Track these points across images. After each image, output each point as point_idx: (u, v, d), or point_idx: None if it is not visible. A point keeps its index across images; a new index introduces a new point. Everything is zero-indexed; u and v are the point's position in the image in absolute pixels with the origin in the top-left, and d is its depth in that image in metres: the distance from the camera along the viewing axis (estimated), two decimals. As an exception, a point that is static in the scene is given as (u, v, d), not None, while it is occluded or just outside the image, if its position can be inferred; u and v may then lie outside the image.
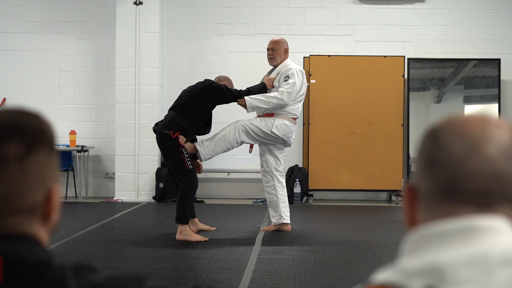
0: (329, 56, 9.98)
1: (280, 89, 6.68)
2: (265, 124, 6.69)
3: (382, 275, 0.93)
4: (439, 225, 0.93)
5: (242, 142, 6.75)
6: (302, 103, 7.00)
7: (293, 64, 6.91)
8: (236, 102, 6.65)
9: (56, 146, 1.13)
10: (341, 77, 9.90)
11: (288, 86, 6.67)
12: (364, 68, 9.94)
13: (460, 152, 0.94)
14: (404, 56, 10.04)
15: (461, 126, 0.96)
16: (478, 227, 0.91)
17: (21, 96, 10.29)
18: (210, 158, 6.74)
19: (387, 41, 10.28)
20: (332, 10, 10.32)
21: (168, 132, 6.36)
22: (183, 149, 6.38)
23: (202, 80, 6.79)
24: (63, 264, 1.05)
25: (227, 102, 6.73)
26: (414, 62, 10.07)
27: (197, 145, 6.59)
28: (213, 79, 6.89)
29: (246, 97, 6.57)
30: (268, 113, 6.77)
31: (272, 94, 6.67)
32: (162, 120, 6.61)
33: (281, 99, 6.62)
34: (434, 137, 0.98)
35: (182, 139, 6.39)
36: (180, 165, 6.38)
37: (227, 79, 6.94)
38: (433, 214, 0.95)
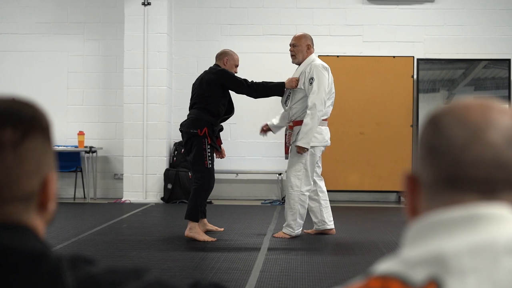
0: (337, 56, 9.95)
1: (308, 101, 6.33)
2: (301, 156, 6.44)
3: (384, 266, 0.90)
4: (442, 213, 0.90)
5: (306, 189, 6.54)
6: (331, 101, 6.60)
7: (316, 60, 6.52)
8: (297, 150, 6.44)
9: (52, 135, 1.11)
10: (349, 77, 9.86)
11: (314, 95, 6.30)
12: (373, 69, 9.91)
13: (461, 139, 0.91)
14: (413, 57, 10.00)
15: (463, 112, 0.94)
16: (482, 215, 0.88)
17: (29, 97, 10.30)
18: (301, 227, 6.59)
19: (396, 41, 10.25)
20: (340, 11, 10.30)
21: (195, 131, 6.38)
22: (207, 147, 6.38)
23: (208, 69, 6.73)
24: (59, 255, 1.03)
25: (237, 91, 6.63)
26: (423, 62, 10.03)
27: (283, 229, 6.53)
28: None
29: (300, 143, 6.32)
30: (296, 121, 6.50)
31: (307, 118, 6.28)
32: (185, 120, 6.59)
33: (315, 113, 6.28)
34: (435, 124, 0.95)
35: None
36: (199, 162, 6.38)
37: (228, 54, 6.73)
38: (435, 203, 0.93)
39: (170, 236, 6.55)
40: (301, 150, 6.38)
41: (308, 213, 6.69)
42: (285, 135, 6.72)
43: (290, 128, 6.58)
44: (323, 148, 6.62)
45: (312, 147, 6.44)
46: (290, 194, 6.51)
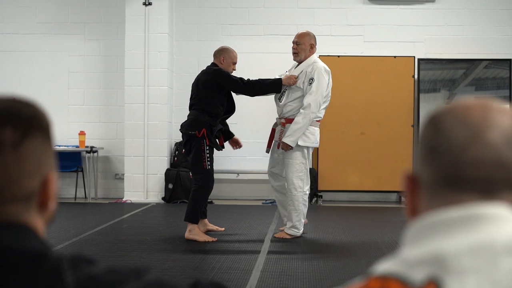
0: (338, 56, 9.95)
1: (304, 101, 6.31)
2: (300, 157, 6.43)
3: (383, 266, 0.90)
4: (442, 213, 0.90)
5: (307, 188, 6.55)
6: (325, 105, 6.53)
7: (319, 62, 6.47)
8: (282, 146, 6.42)
9: (52, 134, 1.11)
10: (350, 77, 9.86)
11: (311, 96, 6.28)
12: (374, 69, 9.90)
13: (461, 139, 0.92)
14: (414, 57, 10.00)
15: (463, 112, 0.94)
16: (482, 215, 0.88)
17: (30, 97, 10.29)
18: (303, 228, 6.56)
19: (397, 41, 10.24)
20: (341, 11, 10.29)
21: (193, 132, 6.37)
22: (206, 148, 6.37)
23: (205, 68, 6.70)
24: (59, 255, 1.02)
25: (233, 91, 6.62)
26: (424, 62, 10.02)
27: (286, 230, 6.49)
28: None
29: (286, 140, 6.32)
30: (289, 119, 6.43)
31: (299, 117, 6.28)
32: (185, 121, 6.59)
33: (309, 113, 6.27)
34: (435, 124, 0.95)
35: None
36: (198, 163, 6.37)
37: (225, 51, 6.65)
38: (435, 203, 0.93)
39: (171, 236, 6.55)
40: (286, 148, 6.38)
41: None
42: (272, 129, 6.68)
43: (283, 125, 6.51)
44: (312, 149, 6.66)
45: (306, 147, 6.44)
46: (294, 196, 6.44)
